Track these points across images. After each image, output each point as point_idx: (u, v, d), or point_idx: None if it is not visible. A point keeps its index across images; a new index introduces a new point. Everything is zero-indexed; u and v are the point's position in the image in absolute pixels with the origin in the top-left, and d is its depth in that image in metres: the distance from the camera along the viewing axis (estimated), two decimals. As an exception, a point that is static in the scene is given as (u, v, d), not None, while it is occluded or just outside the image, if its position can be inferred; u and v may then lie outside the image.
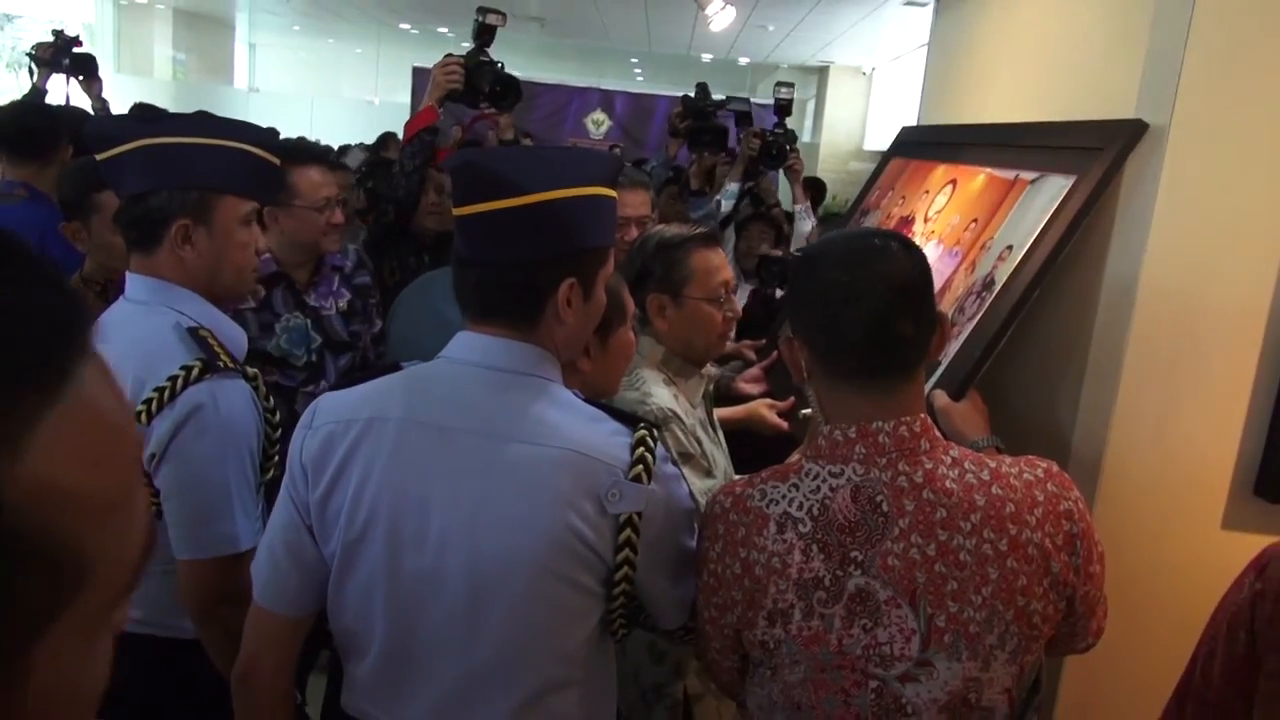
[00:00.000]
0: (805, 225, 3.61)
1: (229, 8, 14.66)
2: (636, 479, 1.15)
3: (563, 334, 1.22)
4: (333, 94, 16.76)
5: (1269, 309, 1.45)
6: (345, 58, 17.61)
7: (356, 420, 1.19)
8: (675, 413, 1.71)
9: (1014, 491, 1.14)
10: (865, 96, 12.94)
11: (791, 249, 3.56)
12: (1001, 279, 1.61)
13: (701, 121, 3.80)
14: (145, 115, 5.26)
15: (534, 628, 1.16)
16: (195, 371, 1.45)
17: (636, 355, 1.83)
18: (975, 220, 1.86)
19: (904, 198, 2.38)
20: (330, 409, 1.23)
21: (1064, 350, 1.62)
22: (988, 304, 1.61)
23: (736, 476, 1.80)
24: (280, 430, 1.60)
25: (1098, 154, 1.51)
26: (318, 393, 2.36)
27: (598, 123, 13.76)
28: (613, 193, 1.24)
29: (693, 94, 4.00)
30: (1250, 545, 1.49)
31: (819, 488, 1.16)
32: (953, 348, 1.64)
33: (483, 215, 1.16)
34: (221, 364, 1.48)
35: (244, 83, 16.82)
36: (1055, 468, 1.19)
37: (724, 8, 4.24)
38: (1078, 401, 1.55)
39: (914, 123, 2.81)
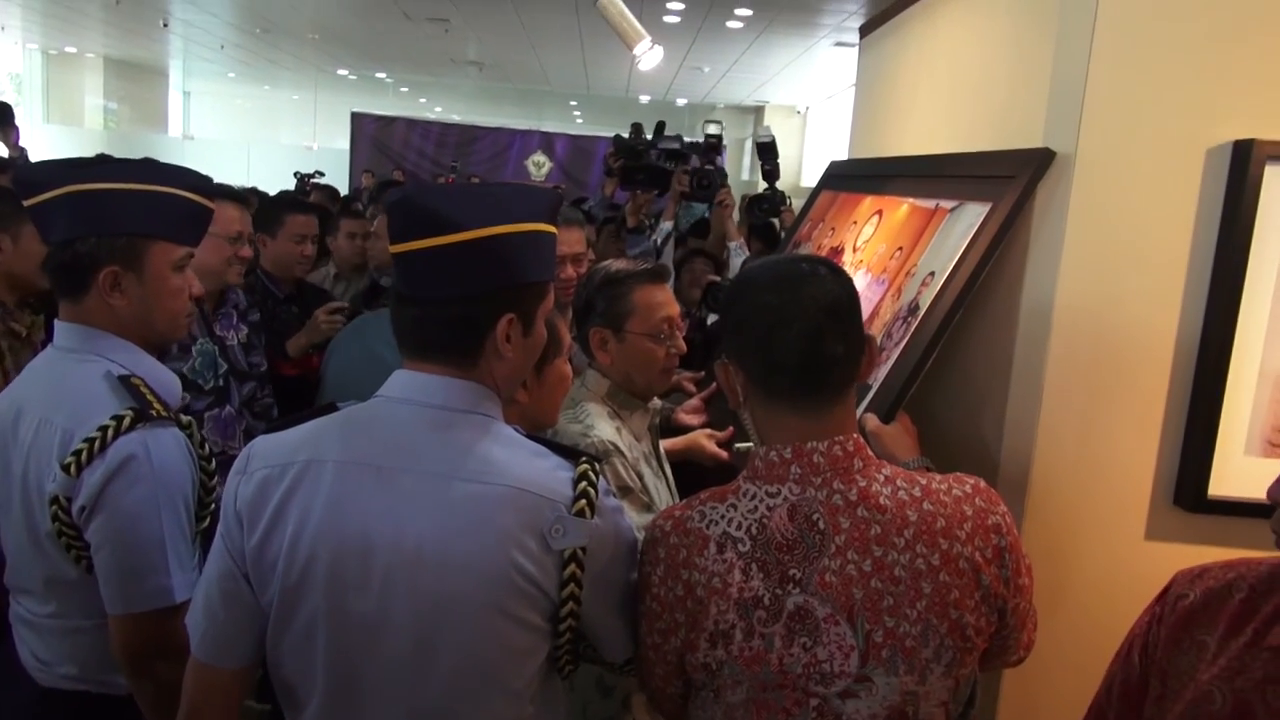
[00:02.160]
0: (739, 259, 3.68)
1: (162, 56, 14.52)
2: (580, 514, 1.14)
3: (503, 370, 1.21)
4: (270, 140, 16.63)
5: (1177, 325, 1.52)
6: (282, 104, 17.55)
7: (292, 464, 1.16)
8: (617, 446, 1.72)
9: (944, 507, 1.17)
10: (800, 134, 13.24)
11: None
12: (925, 304, 1.66)
13: (634, 160, 3.86)
14: (81, 161, 5.14)
15: (482, 667, 1.14)
16: (126, 421, 1.41)
17: (582, 388, 1.85)
18: (900, 248, 1.92)
19: (834, 229, 2.44)
20: (265, 453, 1.19)
21: (988, 371, 1.67)
22: (913, 329, 1.66)
23: None
24: (215, 478, 1.57)
25: (1010, 182, 1.58)
26: (223, 416, 2.43)
27: (539, 164, 13.87)
28: (553, 229, 1.23)
29: (630, 132, 4.08)
30: (1172, 555, 1.55)
31: (756, 507, 1.17)
32: (881, 372, 1.69)
33: (420, 252, 1.14)
34: (154, 412, 1.45)
35: (179, 130, 16.62)
36: (982, 484, 1.22)
37: (651, 48, 4.32)
38: (1003, 420, 1.60)
39: (845, 158, 2.90)
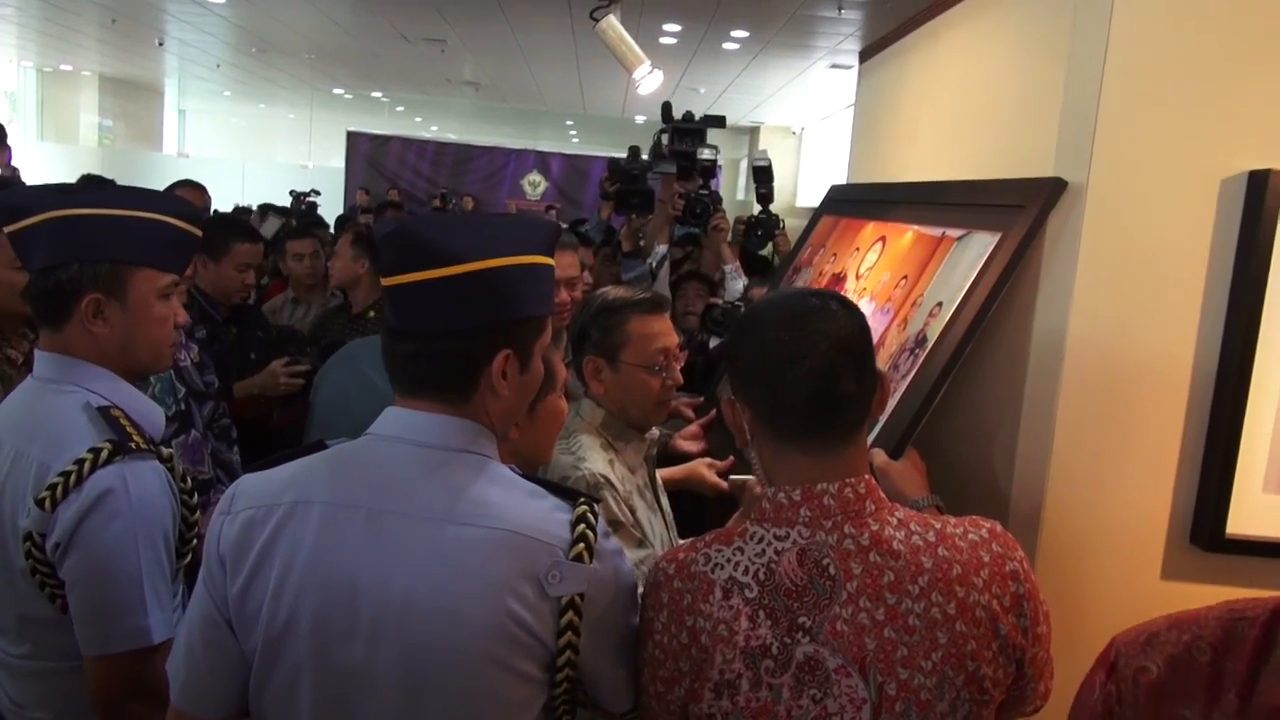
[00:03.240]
0: (736, 285, 3.64)
1: (158, 75, 14.54)
2: (577, 558, 1.09)
3: (498, 407, 1.16)
4: (265, 159, 16.63)
5: (1193, 357, 1.48)
6: (278, 123, 17.57)
7: (278, 505, 1.11)
8: (608, 479, 1.66)
9: (960, 553, 1.12)
10: (796, 155, 13.28)
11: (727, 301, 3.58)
12: (933, 336, 1.62)
13: (629, 184, 3.83)
14: (65, 187, 5.10)
15: None
16: (105, 454, 1.36)
17: (577, 417, 1.80)
18: (905, 277, 1.88)
19: (835, 255, 2.40)
20: (249, 493, 1.14)
21: (998, 405, 1.63)
22: (921, 361, 1.62)
23: (681, 541, 1.76)
24: (197, 511, 1.52)
25: (1020, 211, 1.54)
26: (189, 441, 2.37)
27: (534, 184, 13.88)
28: (550, 261, 1.19)
29: (626, 155, 4.04)
30: (1189, 595, 1.51)
31: (764, 551, 1.12)
32: (889, 405, 1.64)
33: (414, 285, 1.10)
34: (134, 445, 1.39)
35: (174, 148, 16.62)
36: (999, 528, 1.17)
37: (650, 72, 4.32)
38: (1014, 454, 1.56)
39: (843, 180, 2.87)
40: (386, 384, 1.19)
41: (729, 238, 3.83)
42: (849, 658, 1.08)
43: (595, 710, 1.28)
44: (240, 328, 3.24)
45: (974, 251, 1.64)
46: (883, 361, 1.77)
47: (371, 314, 3.68)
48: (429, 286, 1.10)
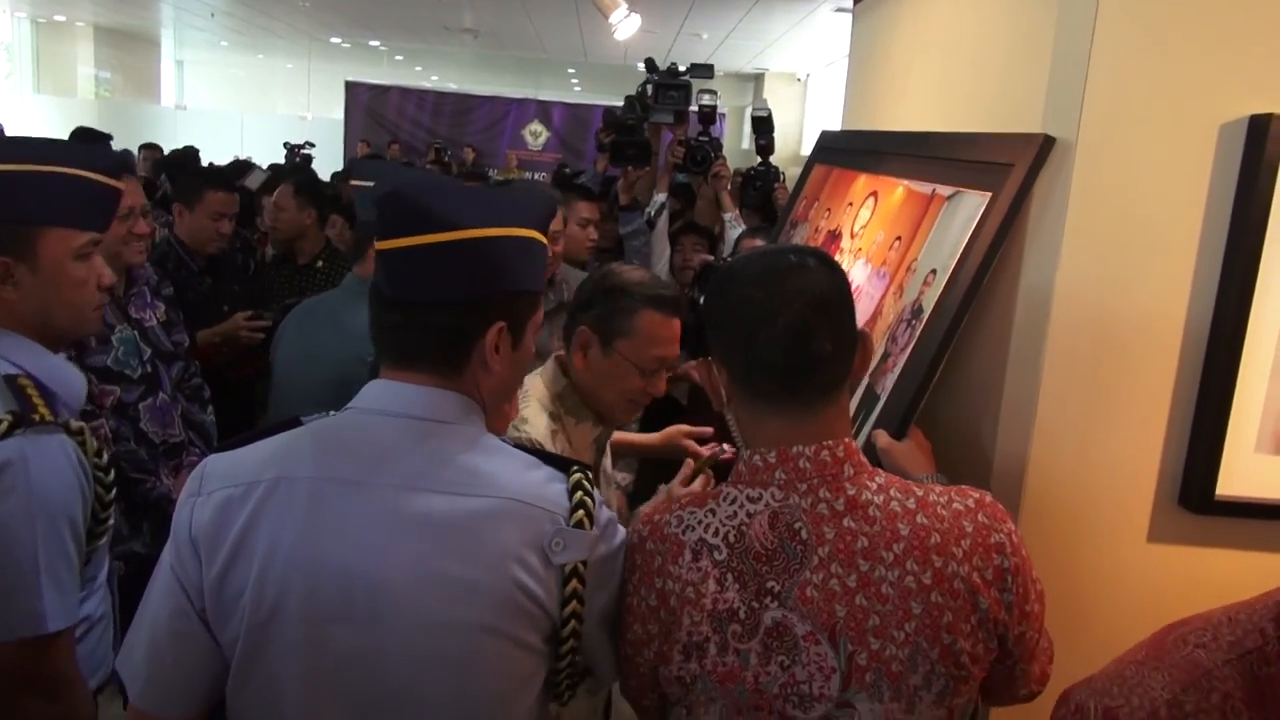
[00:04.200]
0: (735, 232, 3.58)
1: (153, 24, 14.33)
2: (578, 525, 1.07)
3: (489, 383, 1.13)
4: (264, 110, 16.45)
5: (1186, 313, 1.42)
6: (276, 73, 17.34)
7: (259, 482, 1.06)
8: (541, 448, 1.57)
9: (940, 521, 1.08)
10: (801, 102, 13.07)
11: (723, 256, 3.52)
12: (929, 306, 1.57)
13: (624, 136, 3.75)
14: (87, 139, 5.03)
15: (483, 698, 1.07)
16: (3, 426, 1.26)
17: (535, 378, 1.73)
18: (899, 238, 1.82)
19: (829, 210, 2.34)
20: (223, 472, 1.09)
21: (981, 364, 1.58)
22: (918, 333, 1.56)
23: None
24: (114, 473, 1.43)
25: (1008, 170, 1.48)
26: (158, 404, 2.32)
27: (535, 134, 13.69)
28: (544, 238, 1.16)
29: (628, 105, 3.96)
30: (1176, 558, 1.47)
31: (736, 513, 1.10)
32: (889, 380, 1.59)
33: (408, 250, 1.06)
34: (37, 417, 1.28)
35: (171, 100, 16.44)
36: (989, 498, 1.13)
37: (627, 16, 4.20)
38: (997, 416, 1.51)
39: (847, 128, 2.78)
40: (340, 344, 1.14)
41: (729, 187, 3.75)
42: (818, 624, 1.05)
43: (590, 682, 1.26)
44: (215, 279, 3.18)
45: (964, 214, 1.58)
46: (880, 332, 1.72)
47: (319, 264, 3.63)
48: (424, 252, 1.06)
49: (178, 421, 2.36)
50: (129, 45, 15.44)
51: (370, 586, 1.02)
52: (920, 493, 1.11)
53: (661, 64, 3.76)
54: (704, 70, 3.65)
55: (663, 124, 3.74)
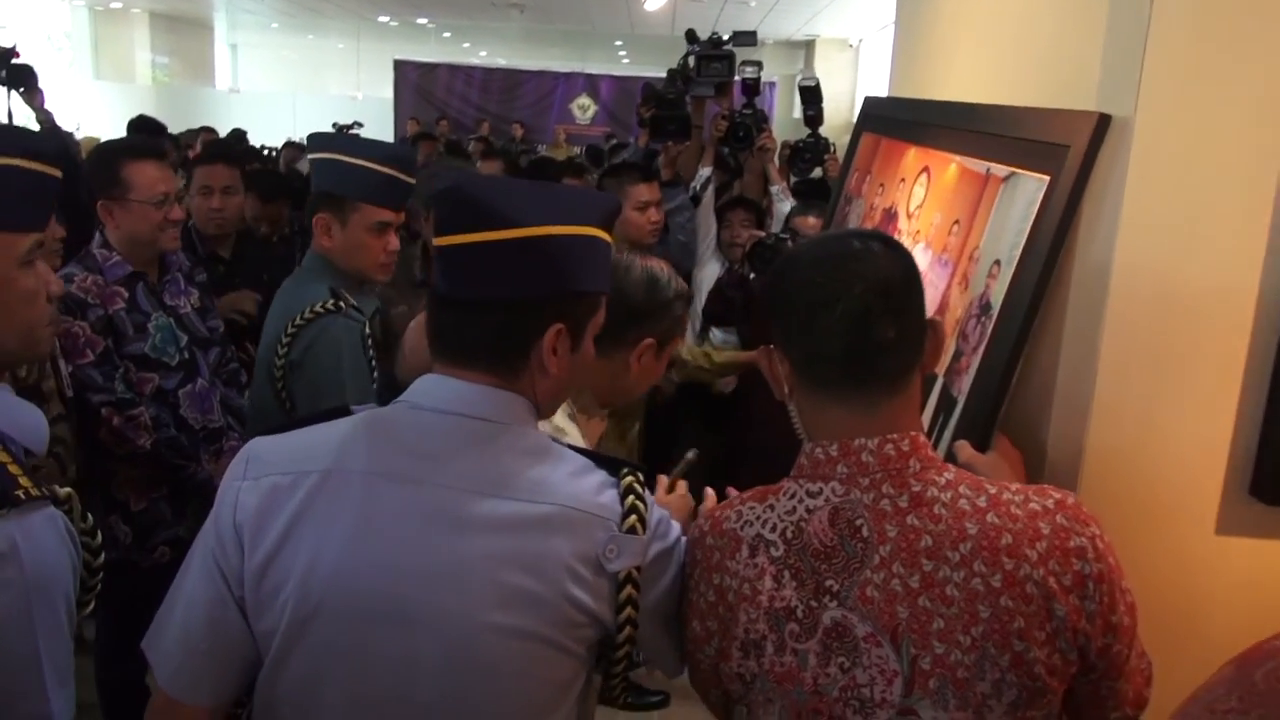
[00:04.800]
0: (784, 206, 3.50)
1: (206, 8, 14.56)
2: (631, 530, 1.05)
3: (545, 385, 1.09)
4: (315, 90, 16.63)
5: (1258, 288, 1.32)
6: (326, 54, 17.51)
7: (310, 472, 1.03)
8: (563, 431, 1.49)
9: (1014, 521, 1.01)
10: (853, 68, 12.81)
11: (773, 232, 3.43)
12: (997, 301, 1.49)
13: (665, 110, 3.67)
14: (143, 127, 5.00)
15: (519, 705, 1.04)
16: None
17: None
18: (957, 222, 1.74)
19: (883, 185, 2.26)
20: (272, 458, 1.06)
21: (1034, 350, 1.50)
22: (990, 332, 1.49)
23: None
24: (101, 555, 1.22)
25: (1064, 151, 1.40)
26: (196, 390, 2.32)
27: (584, 108, 13.65)
28: (609, 237, 1.12)
29: (669, 78, 3.89)
30: (1246, 551, 1.38)
31: (795, 508, 1.06)
32: (965, 382, 1.52)
33: (466, 247, 1.03)
34: (22, 494, 1.08)
35: (226, 83, 16.71)
36: (1071, 499, 1.06)
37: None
38: (1051, 398, 1.43)
39: (897, 95, 2.68)
40: None
41: (776, 159, 3.66)
42: (879, 626, 1.00)
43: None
44: (232, 264, 3.10)
45: (1024, 198, 1.50)
46: (950, 326, 1.64)
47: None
48: (482, 250, 1.03)
49: (217, 407, 2.37)
50: (184, 30, 15.70)
51: (419, 588, 1.00)
52: (993, 490, 1.05)
53: (710, 33, 3.66)
54: (747, 38, 3.55)
55: (705, 97, 3.65)
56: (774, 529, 1.06)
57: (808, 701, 1.02)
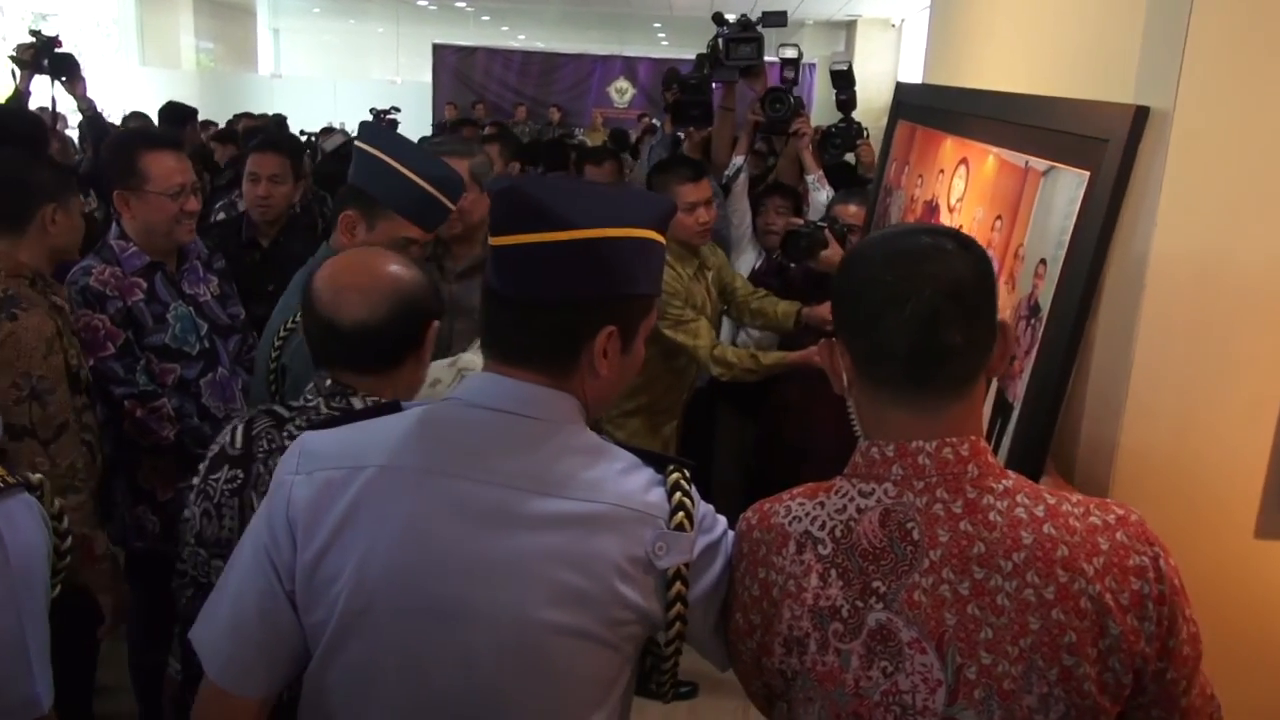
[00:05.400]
0: (820, 195, 3.44)
1: (248, -7, 14.65)
2: (679, 527, 1.06)
3: (595, 387, 1.10)
4: (356, 75, 16.73)
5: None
6: (367, 38, 17.60)
7: (364, 467, 1.05)
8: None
9: (1071, 534, 1.00)
10: (895, 49, 12.59)
11: (810, 220, 3.38)
12: (1045, 303, 1.46)
13: (688, 95, 3.62)
14: (175, 113, 5.07)
15: (565, 703, 1.06)
16: None
17: (472, 355, 1.69)
18: (1000, 217, 1.71)
19: (921, 176, 2.22)
20: (325, 452, 1.08)
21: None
22: (1040, 335, 1.46)
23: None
24: (68, 538, 1.28)
25: (1103, 146, 1.36)
26: (217, 379, 2.34)
27: (621, 91, 13.57)
28: (663, 239, 1.13)
29: (698, 62, 3.83)
30: (1286, 556, 1.34)
31: (845, 507, 1.05)
32: (1019, 387, 1.49)
33: (523, 247, 1.04)
34: (1, 481, 1.15)
35: (268, 69, 16.85)
36: (1135, 516, 1.03)
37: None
38: (1084, 398, 1.40)
39: (939, 79, 2.62)
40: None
41: (810, 143, 3.60)
42: (924, 632, 0.99)
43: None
44: (269, 252, 3.06)
45: (1065, 194, 1.47)
46: None
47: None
48: (538, 251, 1.04)
49: (238, 395, 2.38)
50: (227, 15, 15.85)
51: (470, 585, 1.02)
52: (1052, 501, 1.03)
53: (750, 12, 3.60)
54: (777, 18, 3.48)
55: (732, 81, 3.59)
56: (823, 526, 1.05)
57: (848, 704, 1.01)
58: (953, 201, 1.97)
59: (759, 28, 3.48)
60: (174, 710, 1.49)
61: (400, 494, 1.04)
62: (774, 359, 2.75)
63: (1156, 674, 1.01)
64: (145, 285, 2.25)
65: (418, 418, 1.10)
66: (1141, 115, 1.31)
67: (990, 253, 1.70)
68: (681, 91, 3.67)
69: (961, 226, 1.88)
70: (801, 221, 2.99)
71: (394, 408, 1.14)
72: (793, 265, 3.07)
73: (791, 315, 2.91)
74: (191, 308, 2.33)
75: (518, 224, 1.04)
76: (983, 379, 1.06)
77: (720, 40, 3.51)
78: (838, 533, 1.04)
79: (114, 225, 2.27)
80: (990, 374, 1.08)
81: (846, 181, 3.79)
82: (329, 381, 1.45)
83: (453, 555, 1.02)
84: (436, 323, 1.51)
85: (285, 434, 1.43)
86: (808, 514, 1.07)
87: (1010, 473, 1.06)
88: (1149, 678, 1.01)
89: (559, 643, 1.02)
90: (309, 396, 1.47)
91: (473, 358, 1.66)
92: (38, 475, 1.29)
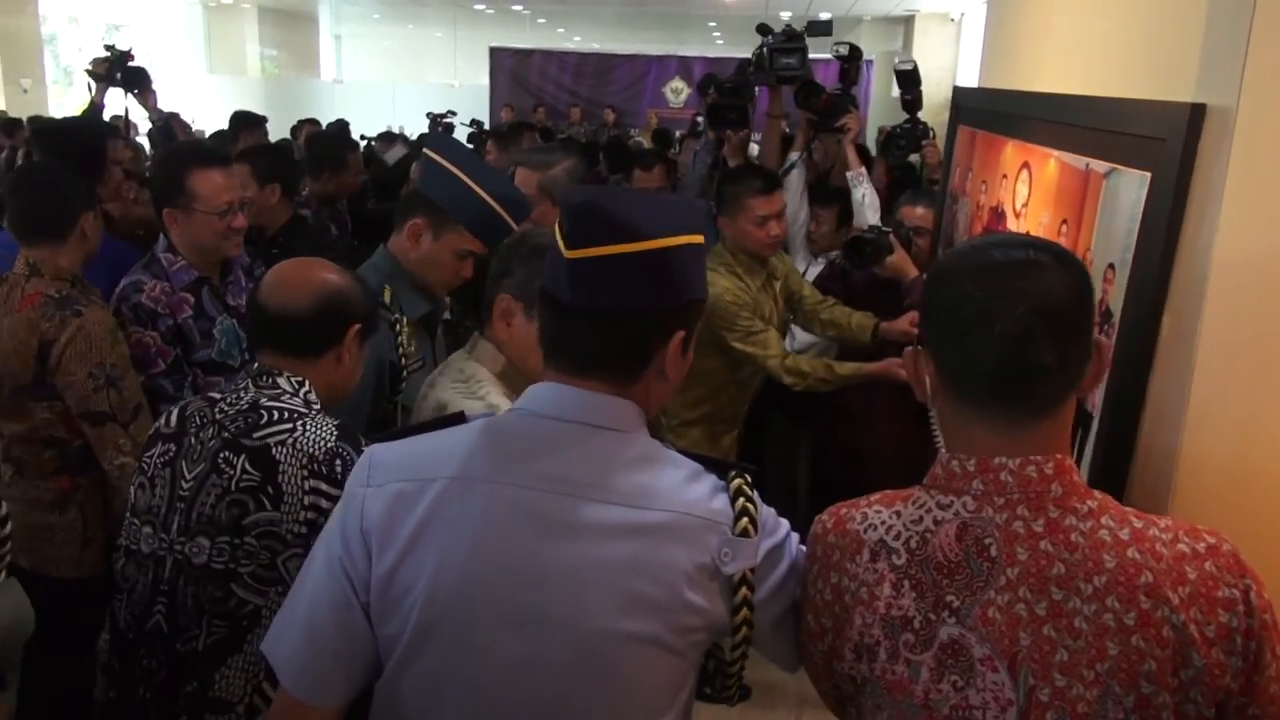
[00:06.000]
0: (858, 193, 3.38)
1: (311, 2, 14.97)
2: (744, 533, 1.07)
3: (659, 390, 1.13)
4: (414, 79, 17.00)
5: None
6: (426, 43, 17.88)
7: (435, 479, 1.07)
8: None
9: (1157, 560, 0.97)
10: (955, 44, 12.37)
11: (855, 220, 3.35)
12: (1117, 308, 1.44)
13: (725, 98, 3.63)
14: (244, 121, 5.19)
15: (631, 710, 1.07)
16: None
17: (471, 360, 1.71)
18: (1065, 221, 1.69)
19: (985, 182, 2.20)
20: (394, 463, 1.10)
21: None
22: (1113, 341, 1.44)
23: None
24: (7, 524, 1.42)
25: (1161, 145, 1.34)
26: None
27: (676, 91, 13.56)
28: (702, 240, 1.16)
29: (739, 70, 3.86)
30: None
31: (922, 518, 1.04)
32: (1097, 397, 1.47)
33: (601, 259, 1.06)
34: None
35: (330, 74, 17.21)
36: (1227, 546, 1.00)
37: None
38: (1141, 408, 1.37)
39: (999, 74, 2.59)
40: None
41: (857, 139, 3.56)
42: (997, 650, 0.98)
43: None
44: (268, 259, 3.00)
45: (1128, 196, 1.45)
46: None
47: (280, 241, 3.21)
48: (616, 262, 1.05)
49: None
50: (290, 23, 16.20)
51: (542, 595, 1.03)
52: (1139, 524, 1.00)
53: (805, 10, 3.61)
54: (822, 27, 3.47)
55: (772, 85, 3.59)
56: (898, 536, 1.05)
57: (917, 715, 1.01)
58: (1018, 207, 1.96)
59: (806, 38, 3.48)
60: None
61: (472, 505, 1.05)
62: (850, 370, 2.69)
63: (1239, 709, 0.98)
64: (193, 300, 2.28)
65: (485, 429, 1.12)
66: (1199, 113, 1.29)
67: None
68: (718, 94, 3.69)
69: (1028, 233, 1.86)
70: (867, 229, 2.97)
71: (459, 419, 1.16)
72: (843, 267, 3.05)
73: (868, 329, 2.83)
74: (234, 320, 2.35)
75: (595, 236, 1.05)
76: (1073, 398, 1.04)
77: (765, 49, 3.51)
78: (913, 544, 1.03)
79: (161, 238, 2.30)
80: (1082, 393, 1.05)
81: (911, 183, 3.75)
82: (256, 365, 1.62)
83: (525, 565, 1.03)
84: (358, 326, 1.64)
85: (217, 411, 1.58)
86: (883, 522, 1.07)
87: (1097, 493, 1.03)
88: (1232, 712, 0.98)
89: (630, 650, 1.04)
90: (240, 379, 1.63)
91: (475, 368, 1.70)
92: None
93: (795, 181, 3.52)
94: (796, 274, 3.10)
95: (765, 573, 1.10)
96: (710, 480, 1.10)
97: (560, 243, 1.08)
